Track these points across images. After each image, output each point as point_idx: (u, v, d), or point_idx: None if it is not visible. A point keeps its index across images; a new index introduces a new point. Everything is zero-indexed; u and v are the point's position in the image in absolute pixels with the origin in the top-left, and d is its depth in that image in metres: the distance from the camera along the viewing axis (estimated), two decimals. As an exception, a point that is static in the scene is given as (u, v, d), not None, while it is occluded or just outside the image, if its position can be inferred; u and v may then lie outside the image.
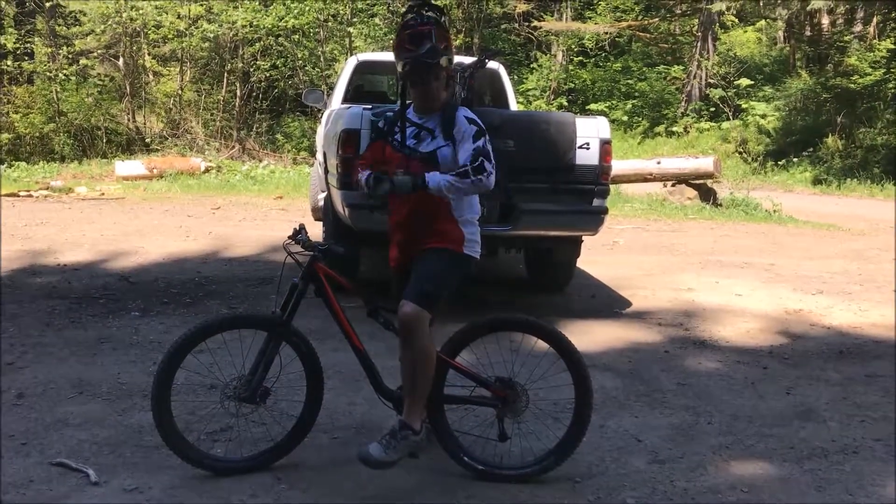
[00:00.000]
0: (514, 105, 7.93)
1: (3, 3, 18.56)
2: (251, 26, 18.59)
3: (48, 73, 18.44)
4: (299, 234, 3.23)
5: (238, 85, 20.07)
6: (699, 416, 4.06)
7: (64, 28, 19.37)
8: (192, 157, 16.36)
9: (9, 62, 18.13)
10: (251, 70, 19.75)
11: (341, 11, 19.29)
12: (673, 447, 3.67)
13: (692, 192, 12.97)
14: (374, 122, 4.60)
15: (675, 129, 22.00)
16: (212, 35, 18.86)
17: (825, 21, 23.58)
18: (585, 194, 5.54)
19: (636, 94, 23.78)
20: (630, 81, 24.11)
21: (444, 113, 3.17)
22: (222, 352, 3.27)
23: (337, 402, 3.94)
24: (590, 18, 24.94)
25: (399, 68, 3.15)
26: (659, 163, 13.20)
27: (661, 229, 10.57)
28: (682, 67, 23.62)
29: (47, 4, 18.93)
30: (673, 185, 13.19)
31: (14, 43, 18.12)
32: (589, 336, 5.24)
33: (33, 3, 18.84)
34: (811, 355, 5.18)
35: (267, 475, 3.23)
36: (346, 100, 7.62)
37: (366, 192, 3.14)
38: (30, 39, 19.19)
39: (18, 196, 12.16)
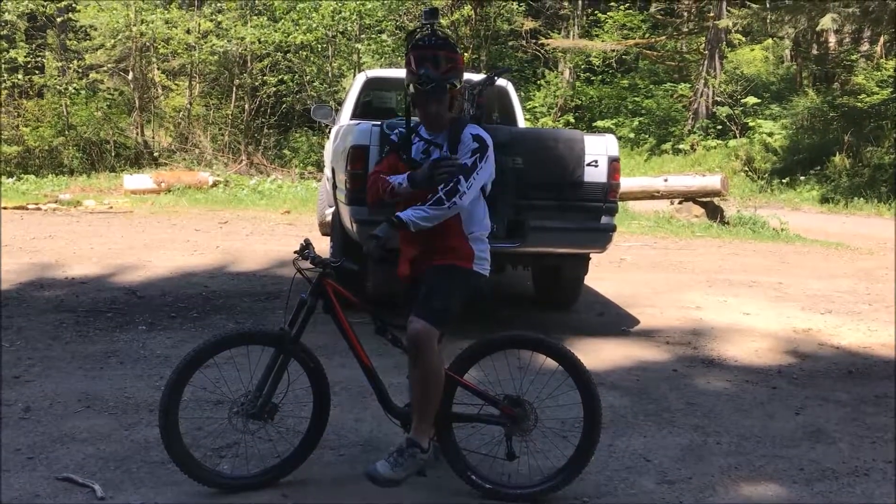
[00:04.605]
0: (522, 122, 7.95)
1: (15, 18, 18.72)
2: (260, 42, 18.72)
3: (58, 87, 18.58)
4: (306, 250, 3.23)
5: (246, 100, 20.17)
6: (708, 435, 4.03)
7: (74, 42, 19.49)
8: (200, 172, 16.44)
9: (20, 76, 18.27)
10: (259, 85, 19.86)
11: (349, 28, 19.41)
12: (682, 467, 3.64)
13: (699, 210, 12.96)
14: (388, 134, 4.62)
15: (681, 146, 22.02)
16: (221, 50, 19.00)
17: (832, 40, 23.64)
18: (593, 212, 5.53)
19: (643, 111, 23.82)
20: (637, 99, 24.16)
21: (452, 129, 3.19)
22: (227, 367, 3.26)
23: (343, 419, 3.93)
24: (597, 36, 25.01)
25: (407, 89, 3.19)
26: (666, 180, 13.17)
27: (668, 247, 10.55)
28: (689, 85, 23.68)
29: (58, 19, 19.10)
30: (680, 203, 13.19)
31: (25, 57, 18.27)
32: (597, 354, 5.22)
33: (44, 18, 19.01)
34: (820, 375, 5.15)
35: (273, 492, 3.21)
36: (354, 116, 7.65)
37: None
38: (41, 53, 19.36)
39: (27, 209, 12.22)
